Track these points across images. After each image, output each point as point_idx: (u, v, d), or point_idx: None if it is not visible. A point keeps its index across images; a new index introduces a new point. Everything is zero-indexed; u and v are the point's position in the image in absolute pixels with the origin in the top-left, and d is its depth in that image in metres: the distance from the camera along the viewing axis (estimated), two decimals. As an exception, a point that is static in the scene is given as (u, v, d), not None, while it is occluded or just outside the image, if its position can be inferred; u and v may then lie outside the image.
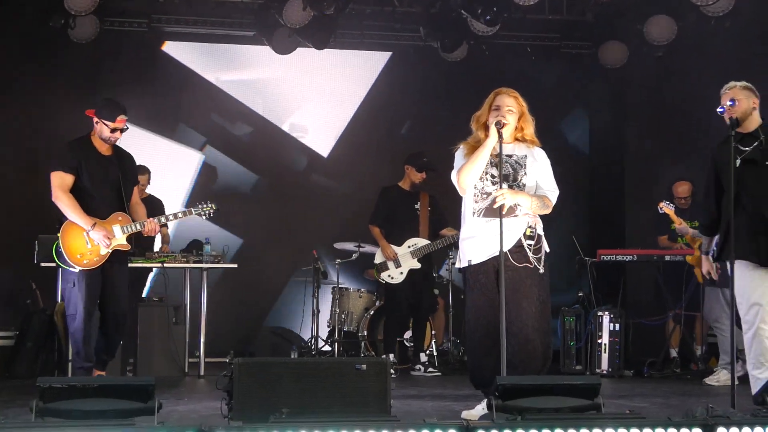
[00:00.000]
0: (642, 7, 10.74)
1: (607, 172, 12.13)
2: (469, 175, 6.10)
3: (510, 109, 6.15)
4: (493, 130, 6.04)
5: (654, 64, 11.16)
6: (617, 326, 9.60)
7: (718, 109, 6.43)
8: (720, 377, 8.71)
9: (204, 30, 11.09)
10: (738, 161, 6.37)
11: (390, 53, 11.67)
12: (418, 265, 9.52)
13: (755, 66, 10.55)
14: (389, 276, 9.53)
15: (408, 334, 9.94)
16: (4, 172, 10.37)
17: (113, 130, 7.12)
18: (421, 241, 9.56)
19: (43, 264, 8.24)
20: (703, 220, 6.87)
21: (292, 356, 9.44)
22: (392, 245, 9.53)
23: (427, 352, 9.62)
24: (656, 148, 11.34)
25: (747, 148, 6.43)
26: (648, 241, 10.20)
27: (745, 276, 6.28)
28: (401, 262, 9.51)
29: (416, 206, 9.67)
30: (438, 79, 11.52)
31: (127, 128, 7.28)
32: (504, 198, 5.95)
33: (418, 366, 9.47)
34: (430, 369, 9.41)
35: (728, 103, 6.38)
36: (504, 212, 5.95)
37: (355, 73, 11.73)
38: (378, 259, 9.62)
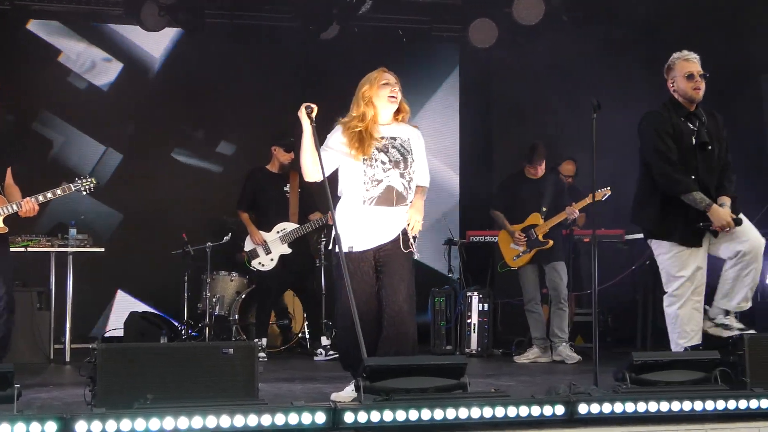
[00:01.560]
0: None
1: (476, 153, 12.26)
2: (308, 166, 5.99)
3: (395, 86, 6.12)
4: (303, 116, 5.92)
5: (523, 44, 11.31)
6: (486, 306, 9.78)
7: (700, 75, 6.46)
8: (530, 354, 9.16)
9: (71, 6, 10.83)
10: (694, 141, 6.44)
11: (261, 33, 11.49)
12: (288, 251, 9.44)
13: (616, 47, 10.91)
14: (260, 263, 9.46)
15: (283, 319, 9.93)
16: None
17: None
18: (290, 226, 9.49)
19: None
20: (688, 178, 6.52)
21: (162, 341, 9.29)
22: (261, 231, 9.45)
23: (301, 333, 9.57)
24: (523, 130, 11.49)
25: (694, 128, 6.48)
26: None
27: (679, 252, 6.43)
28: (271, 248, 9.44)
29: (285, 189, 9.57)
30: (310, 59, 11.42)
31: None
32: (419, 225, 6.05)
33: (319, 350, 9.38)
34: (331, 352, 9.18)
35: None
36: (396, 202, 6.00)
37: (223, 53, 11.51)
38: (248, 246, 9.53)
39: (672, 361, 5.64)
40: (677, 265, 6.46)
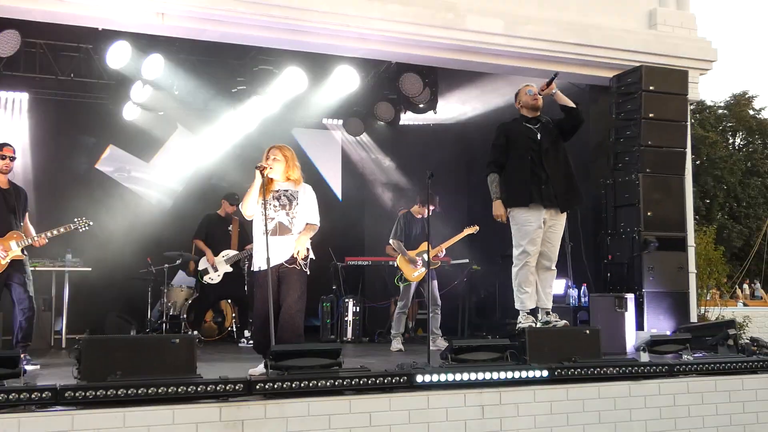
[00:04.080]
0: (369, 95, 10.98)
1: (354, 200, 12.22)
2: (247, 206, 5.98)
3: (275, 158, 6.07)
4: (257, 172, 5.93)
5: (384, 132, 11.46)
6: (358, 308, 9.77)
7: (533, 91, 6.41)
8: (399, 345, 8.31)
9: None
10: (539, 136, 6.33)
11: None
12: (230, 269, 9.37)
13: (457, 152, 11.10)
14: (210, 278, 9.35)
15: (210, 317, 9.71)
16: None
17: (2, 157, 6.69)
18: (231, 252, 9.43)
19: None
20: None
21: (132, 333, 8.98)
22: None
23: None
24: (393, 189, 11.56)
25: (536, 128, 6.39)
26: (381, 248, 10.29)
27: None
28: (218, 267, 9.34)
29: (229, 228, 9.55)
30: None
31: (15, 157, 6.81)
32: (304, 251, 5.91)
33: (242, 339, 9.18)
34: (251, 341, 8.92)
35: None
36: (279, 233, 5.92)
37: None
38: (202, 265, 9.41)
39: (479, 345, 5.74)
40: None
